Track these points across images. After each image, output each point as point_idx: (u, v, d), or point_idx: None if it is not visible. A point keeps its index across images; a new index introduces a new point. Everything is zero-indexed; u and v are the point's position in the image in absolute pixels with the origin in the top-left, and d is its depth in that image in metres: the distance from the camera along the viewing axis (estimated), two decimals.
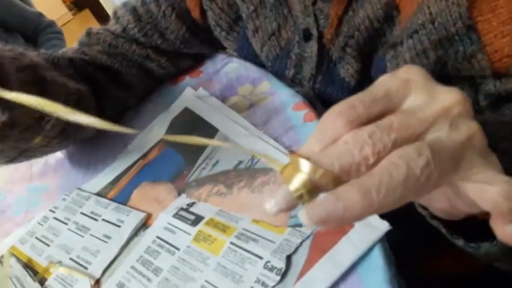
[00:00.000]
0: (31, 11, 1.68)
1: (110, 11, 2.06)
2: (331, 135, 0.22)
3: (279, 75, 0.58)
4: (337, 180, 0.20)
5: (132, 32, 0.63)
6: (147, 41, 0.63)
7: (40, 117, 0.49)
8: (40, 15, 1.71)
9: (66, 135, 0.55)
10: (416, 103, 0.22)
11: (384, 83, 0.23)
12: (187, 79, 0.67)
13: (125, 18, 0.63)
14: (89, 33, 0.65)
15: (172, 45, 0.64)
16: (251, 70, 0.61)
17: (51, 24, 1.71)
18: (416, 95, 0.23)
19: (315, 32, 0.50)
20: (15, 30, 1.62)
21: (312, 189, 0.21)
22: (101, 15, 2.96)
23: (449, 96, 0.22)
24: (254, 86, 0.59)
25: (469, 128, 0.22)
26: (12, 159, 0.53)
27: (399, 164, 0.20)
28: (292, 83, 0.56)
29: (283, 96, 0.54)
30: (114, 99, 0.63)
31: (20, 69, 0.47)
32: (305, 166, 0.21)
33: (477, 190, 0.22)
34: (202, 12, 0.60)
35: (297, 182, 0.21)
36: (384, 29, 0.45)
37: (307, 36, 0.52)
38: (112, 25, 0.65)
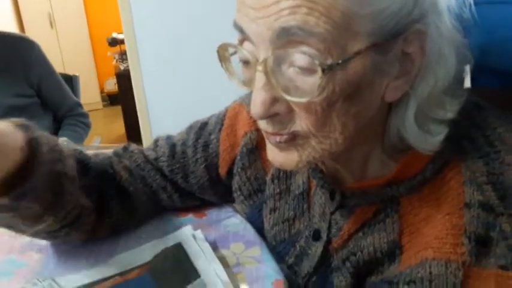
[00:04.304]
0: (72, 99, 1.74)
1: (140, 115, 2.18)
2: None
3: (279, 258, 0.61)
4: None
5: (162, 164, 0.69)
6: (170, 176, 0.69)
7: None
8: (78, 104, 1.76)
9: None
10: None
11: None
12: (190, 216, 0.73)
13: (161, 149, 0.70)
14: (126, 148, 0.72)
15: (189, 187, 0.70)
16: (248, 231, 0.67)
17: (85, 115, 1.77)
18: None
19: (324, 236, 0.55)
20: (50, 109, 1.69)
21: None
22: (129, 115, 3.12)
23: None
24: (246, 247, 0.64)
25: None
26: None
27: None
28: (288, 269, 0.59)
29: (268, 269, 0.58)
30: (114, 221, 0.66)
31: (49, 174, 0.54)
32: None
33: None
34: (230, 172, 0.67)
35: None
36: (383, 261, 0.50)
37: (316, 236, 0.56)
38: (148, 149, 0.71)
